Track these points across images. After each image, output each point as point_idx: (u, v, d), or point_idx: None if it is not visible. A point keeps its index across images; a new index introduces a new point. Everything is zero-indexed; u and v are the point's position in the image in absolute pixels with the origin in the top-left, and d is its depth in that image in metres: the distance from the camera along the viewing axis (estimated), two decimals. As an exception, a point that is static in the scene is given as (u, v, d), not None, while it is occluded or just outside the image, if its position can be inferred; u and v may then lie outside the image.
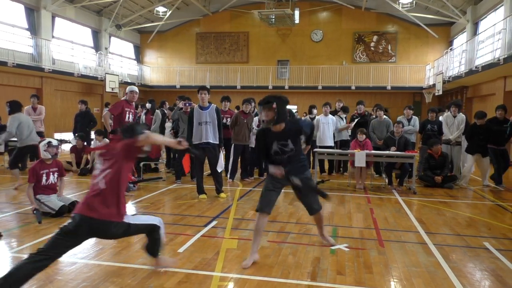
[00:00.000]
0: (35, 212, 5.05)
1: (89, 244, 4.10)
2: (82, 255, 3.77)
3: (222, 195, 6.65)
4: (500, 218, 5.66)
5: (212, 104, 6.57)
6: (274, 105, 3.63)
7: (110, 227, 2.92)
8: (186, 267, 3.55)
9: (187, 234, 4.51)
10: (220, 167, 6.57)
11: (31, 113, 10.13)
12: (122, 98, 7.11)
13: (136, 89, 6.93)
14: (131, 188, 6.92)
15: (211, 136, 6.37)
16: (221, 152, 6.73)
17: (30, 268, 2.79)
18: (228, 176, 8.23)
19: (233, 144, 8.18)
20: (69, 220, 2.93)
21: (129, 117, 6.76)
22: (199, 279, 3.32)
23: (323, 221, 4.23)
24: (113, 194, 2.93)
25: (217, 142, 6.47)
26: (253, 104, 9.11)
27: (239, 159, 8.39)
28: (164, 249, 3.44)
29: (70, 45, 18.71)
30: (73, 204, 5.32)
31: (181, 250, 3.99)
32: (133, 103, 6.93)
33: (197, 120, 6.37)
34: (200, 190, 6.60)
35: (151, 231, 3.21)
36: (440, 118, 9.00)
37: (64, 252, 2.91)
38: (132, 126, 3.09)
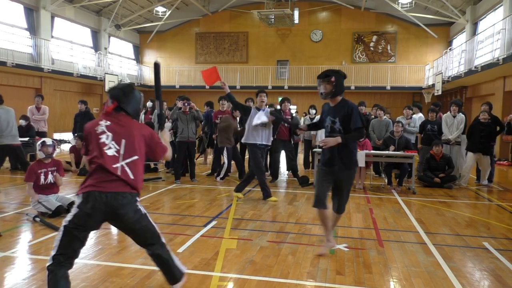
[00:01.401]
0: (37, 219, 4.99)
1: (89, 244, 4.10)
2: (81, 255, 3.74)
3: (273, 198, 6.45)
4: (500, 218, 5.66)
5: (268, 108, 6.59)
6: (333, 79, 3.82)
7: (128, 203, 2.61)
8: (185, 267, 3.55)
9: (187, 234, 4.50)
10: None
11: (34, 113, 10.17)
12: None
13: None
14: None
15: (265, 138, 6.39)
16: None
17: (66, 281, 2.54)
18: (218, 176, 8.24)
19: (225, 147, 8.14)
20: (75, 208, 2.56)
21: None
22: (198, 279, 3.32)
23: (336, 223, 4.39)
24: (139, 174, 2.72)
25: (269, 143, 6.54)
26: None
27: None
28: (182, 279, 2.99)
29: (70, 45, 18.71)
30: (71, 204, 5.32)
31: (180, 250, 3.99)
32: None
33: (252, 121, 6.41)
34: (240, 188, 6.57)
35: (155, 242, 2.80)
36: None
37: (80, 247, 2.61)
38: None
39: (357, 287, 3.24)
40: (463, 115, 8.33)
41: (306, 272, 3.51)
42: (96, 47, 20.40)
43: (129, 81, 21.48)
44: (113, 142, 2.64)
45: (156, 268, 3.53)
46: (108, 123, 2.69)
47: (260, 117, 6.27)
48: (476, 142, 7.88)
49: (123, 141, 2.66)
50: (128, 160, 2.65)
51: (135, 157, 2.68)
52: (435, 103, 10.20)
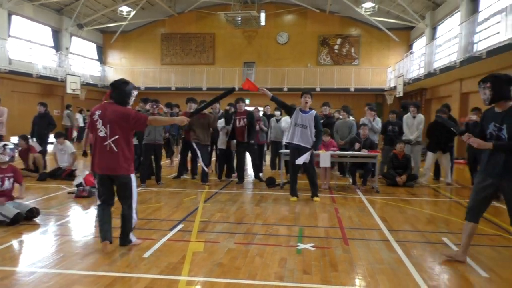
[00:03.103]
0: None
1: (49, 253, 3.95)
2: (41, 264, 3.61)
3: (316, 199, 6.66)
4: (458, 214, 5.91)
5: (313, 110, 6.71)
6: (489, 84, 3.55)
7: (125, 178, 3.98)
8: (151, 272, 3.48)
9: (153, 239, 4.42)
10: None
11: None
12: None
13: None
14: (94, 193, 6.70)
15: (303, 139, 6.49)
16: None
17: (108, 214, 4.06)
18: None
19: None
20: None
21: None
22: (165, 284, 3.26)
23: None
24: (127, 154, 3.95)
25: (309, 146, 6.51)
26: (224, 106, 9.08)
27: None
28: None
29: (29, 45, 17.96)
30: (30, 211, 5.08)
31: (146, 255, 3.90)
32: None
33: (294, 121, 6.57)
34: (293, 192, 6.75)
35: (129, 206, 4.04)
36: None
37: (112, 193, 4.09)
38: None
39: (324, 286, 3.30)
40: (422, 116, 8.67)
41: (273, 272, 3.53)
42: (57, 47, 19.70)
43: (91, 82, 20.91)
44: (102, 127, 3.88)
45: (120, 274, 3.46)
46: (100, 112, 3.90)
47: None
48: (435, 142, 8.23)
49: (108, 125, 3.86)
50: (112, 139, 3.87)
51: (117, 136, 3.87)
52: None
